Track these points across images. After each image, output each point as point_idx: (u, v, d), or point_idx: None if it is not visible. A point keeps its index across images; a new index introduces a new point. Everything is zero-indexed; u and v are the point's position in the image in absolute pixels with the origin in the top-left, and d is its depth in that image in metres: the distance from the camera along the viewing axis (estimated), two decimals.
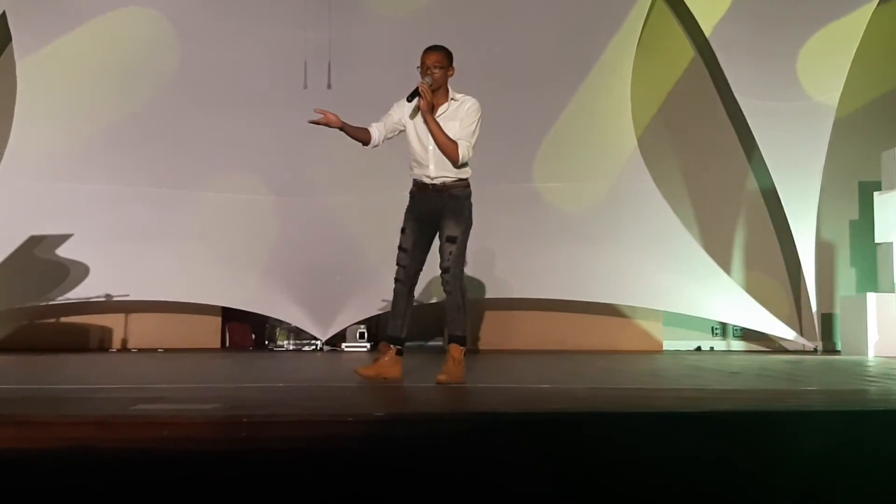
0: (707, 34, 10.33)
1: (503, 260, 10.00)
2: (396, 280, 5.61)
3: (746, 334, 10.53)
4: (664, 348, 10.50)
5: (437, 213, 5.50)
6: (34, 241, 9.49)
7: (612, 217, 10.13)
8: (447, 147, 5.44)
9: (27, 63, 9.99)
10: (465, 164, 5.52)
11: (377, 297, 9.88)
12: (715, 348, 10.65)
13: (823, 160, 9.91)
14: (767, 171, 10.02)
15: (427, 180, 5.53)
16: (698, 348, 10.59)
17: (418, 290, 5.89)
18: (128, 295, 9.60)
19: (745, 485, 3.16)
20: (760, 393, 5.06)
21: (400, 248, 5.56)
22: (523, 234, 10.10)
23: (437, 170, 5.51)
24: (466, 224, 5.52)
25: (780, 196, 9.94)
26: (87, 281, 9.55)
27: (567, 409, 4.03)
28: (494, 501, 3.05)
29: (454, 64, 5.72)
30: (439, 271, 5.50)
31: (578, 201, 10.21)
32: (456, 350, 5.47)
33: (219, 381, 6.00)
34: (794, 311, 10.40)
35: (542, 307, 10.31)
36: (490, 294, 10.11)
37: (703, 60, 10.69)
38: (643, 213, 10.17)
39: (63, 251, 9.48)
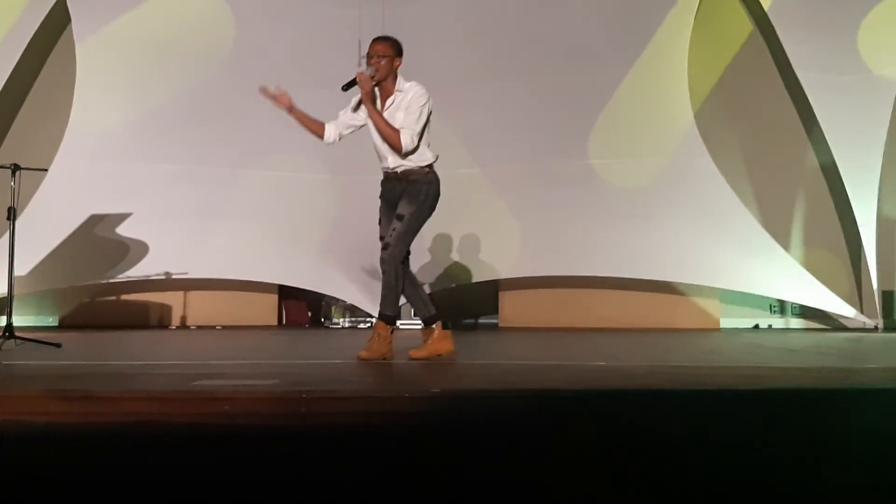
0: (766, 7, 10.15)
1: (558, 237, 9.95)
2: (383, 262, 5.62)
3: (805, 312, 10.38)
4: (721, 326, 10.40)
5: (399, 198, 5.54)
6: (94, 220, 9.62)
7: (669, 193, 10.02)
8: (389, 136, 5.44)
9: (86, 45, 10.10)
10: (413, 152, 5.49)
11: (432, 274, 9.93)
12: (773, 326, 10.51)
13: (885, 135, 9.71)
14: (828, 146, 9.83)
15: (388, 170, 5.59)
16: (756, 326, 10.47)
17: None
18: (187, 273, 9.70)
19: (805, 462, 3.13)
20: (820, 371, 5.00)
21: (381, 237, 5.58)
22: (578, 211, 10.04)
23: (395, 160, 5.53)
24: (419, 207, 5.49)
25: (841, 171, 9.76)
26: (146, 259, 9.67)
27: (625, 387, 4.02)
28: (551, 476, 3.05)
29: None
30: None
31: (635, 177, 10.10)
32: (382, 328, 5.50)
33: (277, 357, 6.06)
34: (855, 288, 10.21)
35: (598, 285, 10.25)
36: (545, 272, 10.08)
37: (761, 34, 10.50)
38: (700, 189, 10.05)
39: (123, 230, 9.60)
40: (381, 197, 5.66)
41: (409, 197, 5.50)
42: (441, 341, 5.62)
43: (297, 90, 9.76)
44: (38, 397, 3.55)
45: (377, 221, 5.64)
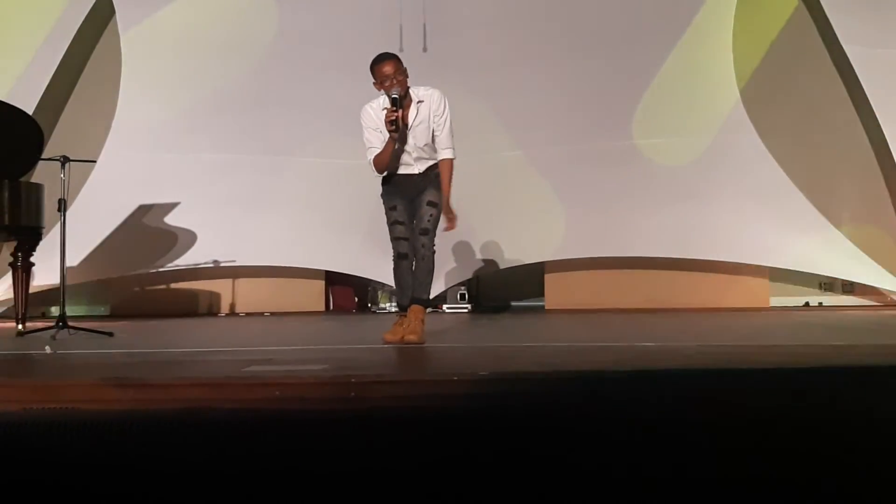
0: None
1: (605, 218, 9.91)
2: (401, 256, 5.62)
3: (856, 289, 10.25)
4: (771, 305, 10.30)
5: (420, 191, 5.56)
6: (143, 211, 9.74)
7: (715, 172, 9.93)
8: (449, 182, 5.56)
9: (130, 35, 10.19)
10: None
11: (478, 258, 9.93)
12: (823, 304, 10.40)
13: None
14: (877, 120, 9.67)
15: (413, 171, 5.59)
16: (806, 304, 10.36)
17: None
18: (234, 261, 9.80)
19: (857, 439, 3.09)
20: (871, 348, 4.94)
21: (396, 223, 5.58)
22: (624, 191, 9.99)
23: (422, 165, 5.58)
24: (441, 192, 5.58)
25: (891, 147, 9.59)
26: (195, 248, 9.78)
27: (675, 367, 4.00)
28: (601, 458, 3.04)
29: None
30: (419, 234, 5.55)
31: (680, 157, 10.03)
32: (422, 311, 5.53)
33: (325, 342, 6.09)
34: None
35: (645, 266, 10.20)
36: (591, 254, 10.04)
37: (807, 8, 10.34)
38: (747, 168, 9.95)
39: (171, 219, 9.71)
40: (395, 192, 5.62)
41: (436, 187, 5.56)
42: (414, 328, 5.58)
43: (338, 77, 9.81)
44: (93, 385, 3.61)
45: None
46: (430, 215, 5.52)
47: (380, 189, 5.73)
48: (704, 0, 10.14)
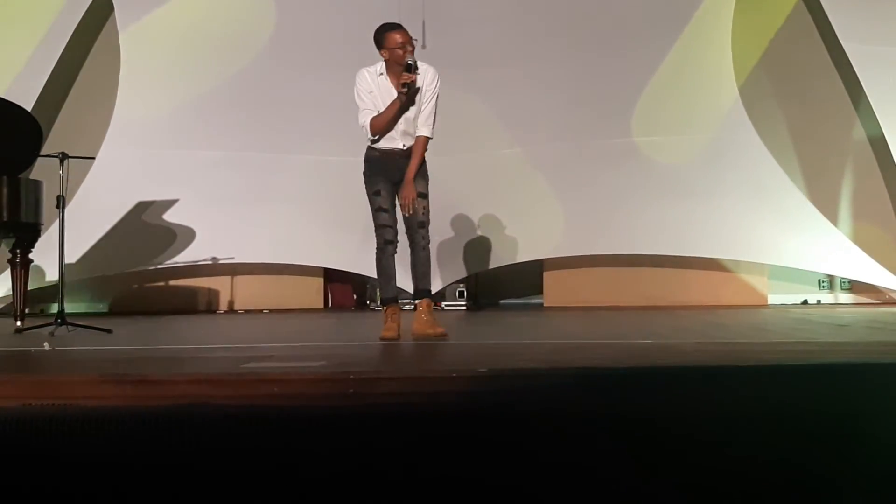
0: None
1: (604, 216, 9.91)
2: (388, 242, 5.55)
3: (855, 287, 10.26)
4: (769, 302, 10.31)
5: (402, 174, 5.56)
6: (142, 207, 9.73)
7: (714, 170, 9.92)
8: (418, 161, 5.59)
9: (129, 33, 10.17)
10: None
11: (476, 255, 9.93)
12: (822, 301, 10.41)
13: None
14: (875, 118, 9.67)
15: (399, 150, 5.58)
16: (805, 302, 10.37)
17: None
18: (233, 258, 9.80)
19: (855, 437, 3.10)
20: (870, 345, 4.95)
21: (381, 209, 5.54)
22: (623, 189, 9.98)
23: (407, 140, 5.59)
24: (427, 181, 5.66)
25: (890, 144, 9.59)
26: (193, 245, 9.78)
27: (672, 364, 4.01)
28: (598, 456, 3.05)
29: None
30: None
31: (679, 155, 10.02)
32: (431, 304, 5.63)
33: (324, 339, 6.11)
34: None
35: (644, 263, 10.19)
36: (590, 251, 10.05)
37: (805, 6, 10.34)
38: (746, 165, 9.94)
39: (170, 216, 9.71)
40: (379, 171, 5.60)
41: (422, 175, 5.61)
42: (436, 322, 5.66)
43: (336, 75, 9.78)
44: (91, 382, 3.61)
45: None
46: (424, 207, 5.58)
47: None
48: None
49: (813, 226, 9.80)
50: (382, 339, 5.49)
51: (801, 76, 10.36)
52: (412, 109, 5.54)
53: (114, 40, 10.24)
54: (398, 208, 5.62)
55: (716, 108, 10.14)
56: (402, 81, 5.37)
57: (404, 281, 5.88)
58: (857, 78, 9.72)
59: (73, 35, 10.12)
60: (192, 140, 10.13)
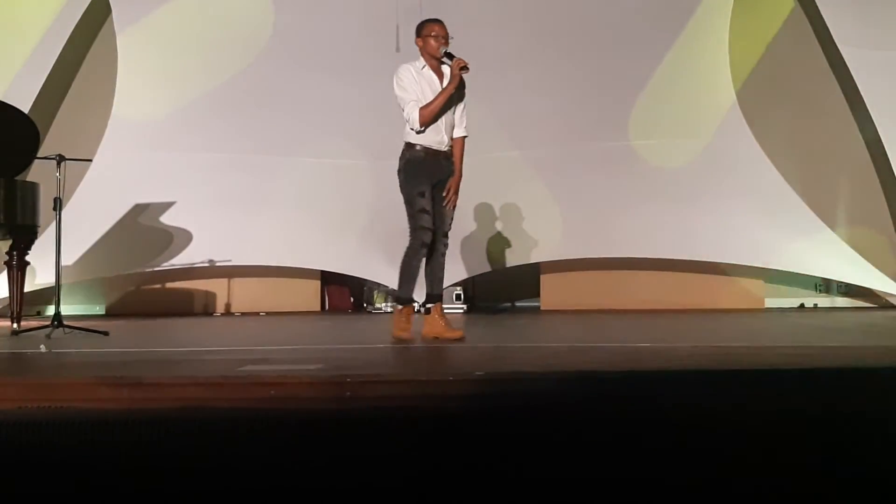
0: None
1: (601, 219, 9.91)
2: (424, 245, 5.49)
3: (851, 290, 10.28)
4: (766, 306, 10.32)
5: (443, 178, 5.62)
6: (139, 210, 9.73)
7: (711, 174, 9.93)
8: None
9: (127, 34, 10.17)
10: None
11: (474, 258, 9.92)
12: (819, 305, 10.42)
13: None
14: (872, 122, 9.68)
15: (443, 147, 5.61)
16: (801, 306, 10.38)
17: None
18: (230, 260, 9.79)
19: (851, 440, 3.10)
20: (867, 349, 4.95)
21: (423, 211, 5.47)
22: (620, 192, 9.99)
23: (447, 138, 5.64)
24: None
25: (886, 148, 9.61)
26: (190, 247, 9.77)
27: (668, 368, 4.01)
28: (594, 460, 3.05)
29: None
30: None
31: (676, 158, 10.03)
32: (441, 307, 5.68)
33: (321, 342, 6.09)
34: None
35: (641, 267, 10.20)
36: (587, 254, 10.05)
37: (802, 9, 10.36)
38: (743, 169, 9.96)
39: (167, 218, 9.70)
40: (423, 172, 5.53)
41: (444, 184, 5.64)
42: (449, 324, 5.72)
43: (334, 77, 9.81)
44: (88, 384, 3.60)
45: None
46: (452, 219, 5.68)
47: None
48: (701, 1, 10.15)
49: (809, 229, 9.81)
50: (396, 338, 5.52)
51: (797, 80, 10.38)
52: (456, 101, 5.60)
53: (111, 42, 10.26)
54: None
55: (713, 112, 10.16)
56: (458, 65, 5.40)
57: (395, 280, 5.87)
58: (854, 82, 9.74)
59: (70, 37, 10.12)
60: (189, 142, 10.12)
